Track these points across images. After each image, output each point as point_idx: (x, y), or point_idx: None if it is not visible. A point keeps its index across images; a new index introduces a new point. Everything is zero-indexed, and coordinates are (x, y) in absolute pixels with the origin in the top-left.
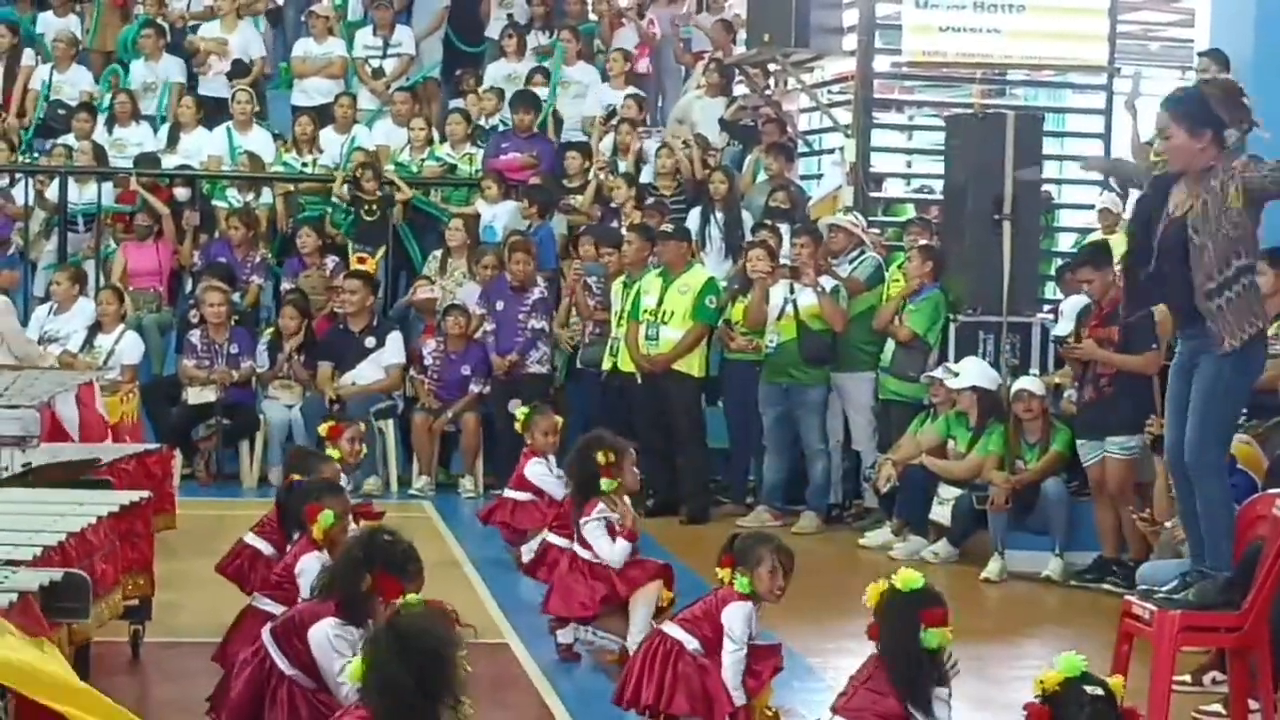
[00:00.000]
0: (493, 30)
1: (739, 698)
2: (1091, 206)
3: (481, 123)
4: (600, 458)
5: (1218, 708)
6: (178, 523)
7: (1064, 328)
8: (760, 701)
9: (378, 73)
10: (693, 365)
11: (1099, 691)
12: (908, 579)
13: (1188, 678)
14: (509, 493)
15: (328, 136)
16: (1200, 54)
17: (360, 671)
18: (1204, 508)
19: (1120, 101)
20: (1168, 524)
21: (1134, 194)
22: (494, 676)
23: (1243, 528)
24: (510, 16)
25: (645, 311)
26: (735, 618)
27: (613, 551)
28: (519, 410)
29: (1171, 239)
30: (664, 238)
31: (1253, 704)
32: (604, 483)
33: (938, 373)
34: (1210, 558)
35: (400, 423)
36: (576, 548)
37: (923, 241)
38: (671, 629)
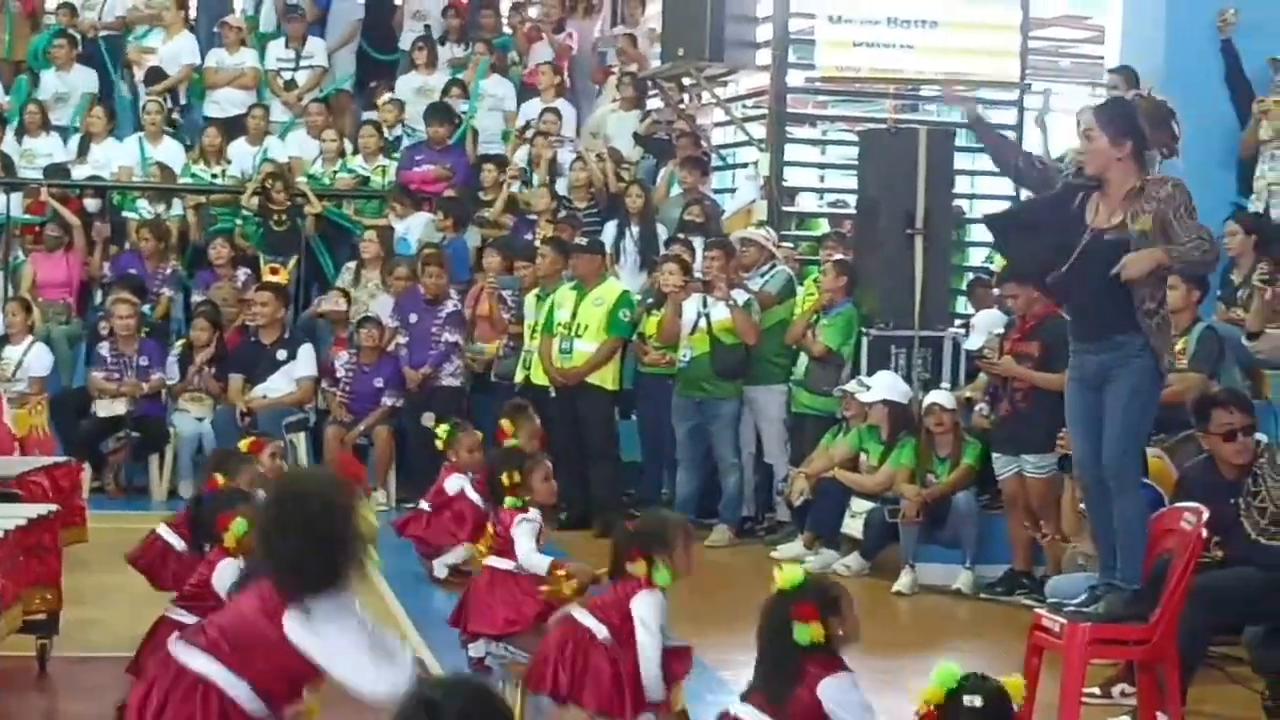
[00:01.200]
0: (406, 42)
1: (658, 693)
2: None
3: (388, 134)
4: (505, 479)
5: (1127, 719)
6: (88, 536)
7: (976, 341)
8: (674, 700)
9: (290, 84)
10: (606, 378)
11: (976, 703)
12: (788, 576)
13: (1097, 690)
14: (425, 505)
15: (240, 148)
16: (1110, 70)
17: (240, 534)
18: (1122, 520)
19: (1031, 117)
20: (1074, 542)
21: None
22: None
23: (1151, 541)
24: (427, 28)
25: (559, 325)
26: (647, 607)
27: (532, 556)
28: (440, 428)
29: (1105, 251)
30: (578, 251)
31: (1161, 716)
32: (508, 500)
33: (850, 386)
34: (1123, 570)
35: (312, 436)
36: (494, 561)
37: (838, 256)
38: (582, 615)
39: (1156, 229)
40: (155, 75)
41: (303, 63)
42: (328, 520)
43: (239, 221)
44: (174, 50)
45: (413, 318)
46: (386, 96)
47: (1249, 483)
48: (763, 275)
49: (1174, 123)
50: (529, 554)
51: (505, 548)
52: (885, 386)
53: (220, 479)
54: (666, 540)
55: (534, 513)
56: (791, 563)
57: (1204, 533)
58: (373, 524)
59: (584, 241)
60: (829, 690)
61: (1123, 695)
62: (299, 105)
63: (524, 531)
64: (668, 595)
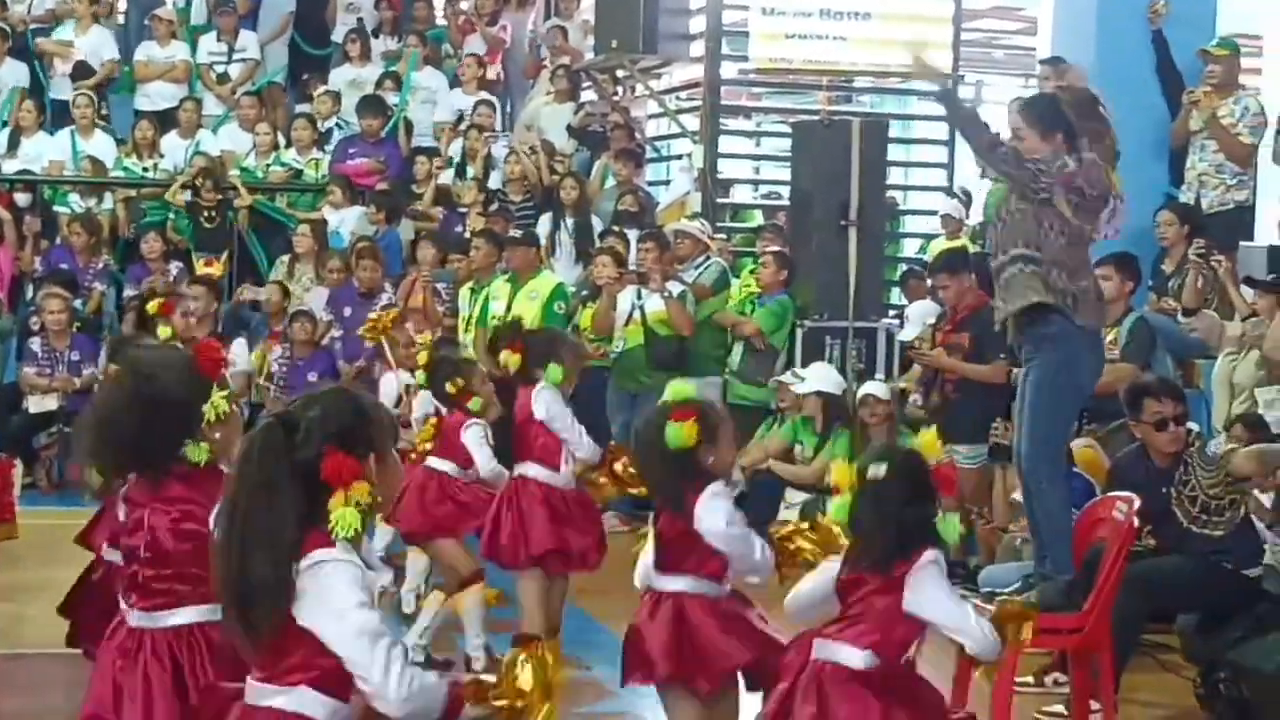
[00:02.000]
0: (339, 35)
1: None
2: (935, 212)
3: (321, 126)
4: (449, 387)
5: (1060, 708)
6: (19, 532)
7: (910, 332)
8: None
9: (222, 78)
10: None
11: (880, 472)
12: (678, 389)
13: (1030, 679)
14: None
15: (171, 141)
16: (1041, 62)
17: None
18: (1041, 511)
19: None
20: (1011, 528)
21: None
22: None
23: (1084, 531)
24: (360, 21)
25: (493, 317)
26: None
27: (489, 463)
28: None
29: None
30: (512, 243)
31: (1094, 705)
32: (470, 404)
33: (785, 378)
34: (1051, 561)
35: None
36: (434, 461)
37: (774, 248)
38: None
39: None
40: (82, 70)
41: (235, 56)
42: (170, 399)
43: (171, 215)
44: (93, 44)
45: (346, 311)
46: (322, 89)
47: (1180, 472)
48: (697, 267)
49: (1101, 109)
50: (488, 463)
51: (448, 450)
52: (819, 378)
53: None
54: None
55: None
56: None
57: (1136, 522)
58: (223, 407)
59: (518, 234)
60: (705, 510)
61: (1056, 684)
62: (231, 99)
63: (476, 438)
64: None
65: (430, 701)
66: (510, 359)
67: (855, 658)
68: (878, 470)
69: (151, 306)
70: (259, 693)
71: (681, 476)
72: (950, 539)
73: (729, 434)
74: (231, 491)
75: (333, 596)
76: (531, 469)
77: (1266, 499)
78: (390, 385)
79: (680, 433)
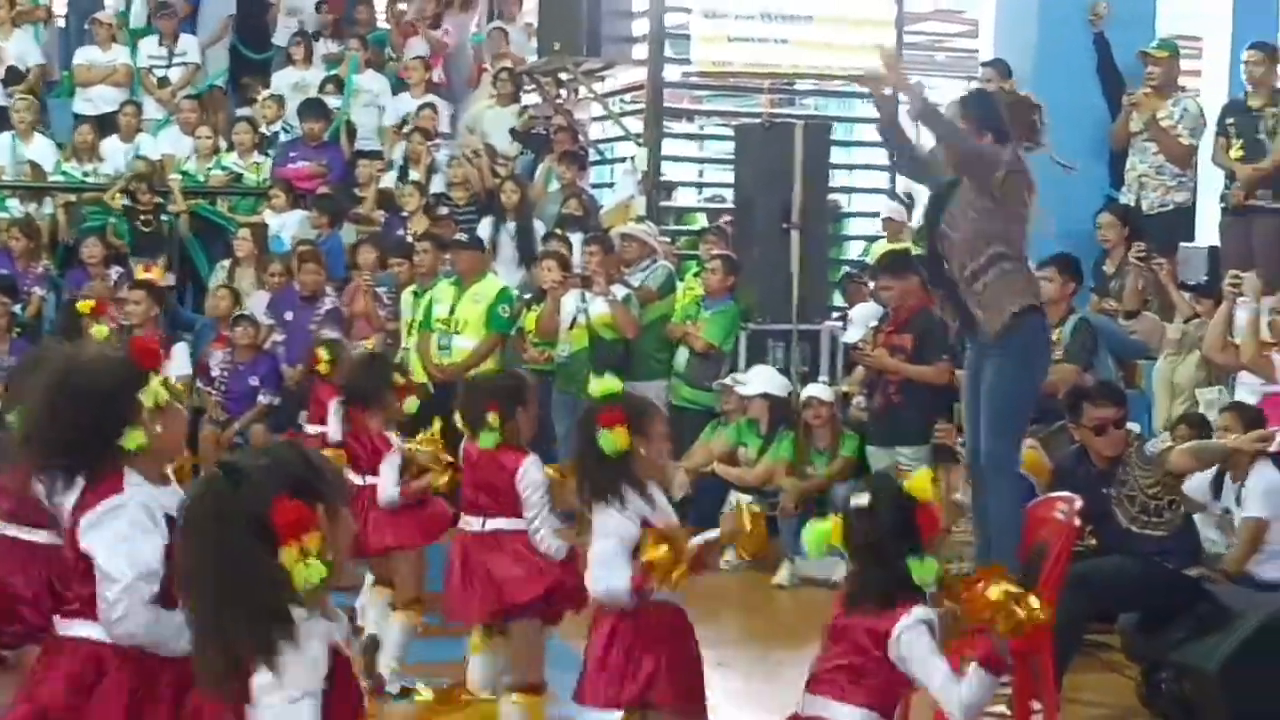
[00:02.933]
0: (280, 38)
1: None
2: (878, 214)
3: (264, 130)
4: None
5: (1002, 708)
6: None
7: (854, 334)
8: None
9: (163, 81)
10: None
11: (863, 501)
12: (604, 385)
13: None
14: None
15: (112, 145)
16: (983, 64)
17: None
18: (995, 507)
19: (905, 110)
20: (954, 529)
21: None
22: None
23: (1025, 531)
24: (300, 24)
25: (438, 321)
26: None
27: (388, 492)
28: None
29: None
30: (458, 247)
31: (1036, 705)
32: (407, 404)
33: (727, 381)
34: (996, 557)
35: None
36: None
37: (717, 252)
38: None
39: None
40: (13, 75)
41: (175, 60)
42: (102, 397)
43: (111, 220)
44: (18, 49)
45: (288, 315)
46: (265, 93)
47: (1120, 473)
48: (644, 271)
49: (1036, 116)
50: (386, 491)
51: (368, 463)
52: (763, 380)
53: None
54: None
55: (398, 444)
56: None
57: (1078, 522)
58: (162, 395)
59: (464, 237)
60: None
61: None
62: (172, 102)
63: (388, 466)
64: None
65: None
66: (494, 421)
67: (852, 716)
68: (859, 500)
69: (83, 306)
70: None
71: (620, 478)
72: (926, 582)
73: (659, 425)
74: (190, 560)
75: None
76: (505, 522)
77: (1199, 494)
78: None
79: (613, 439)
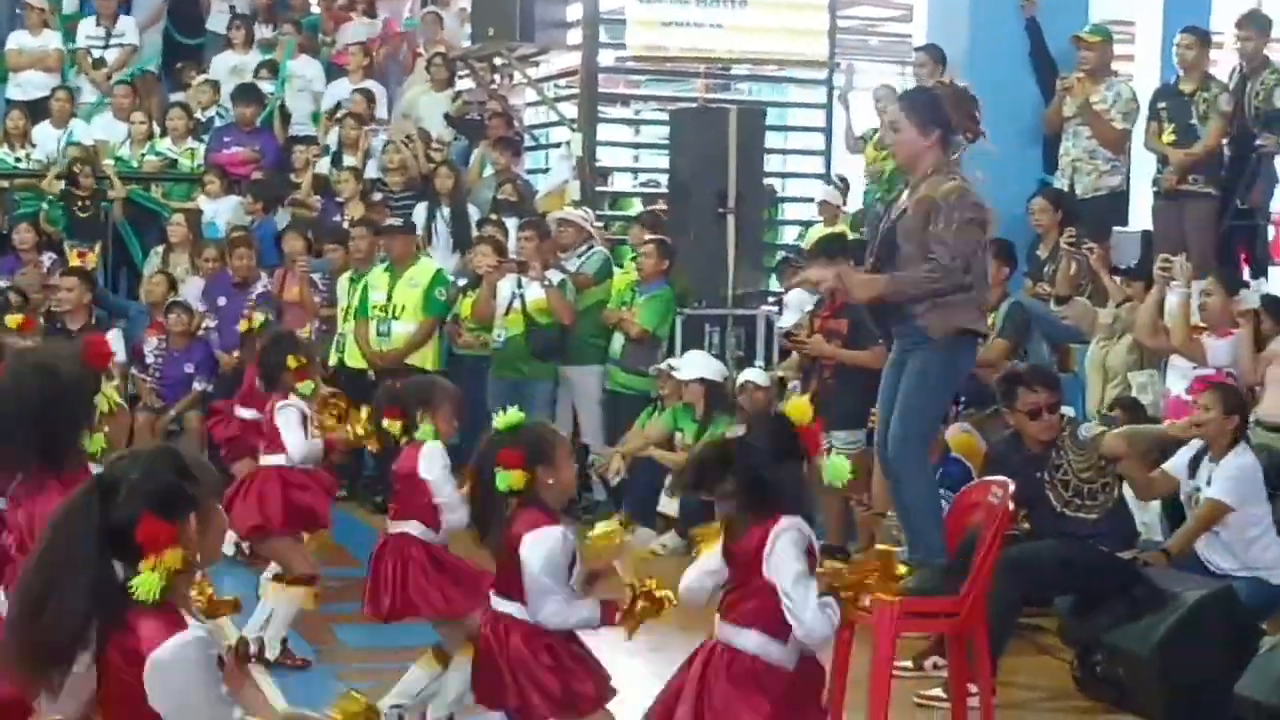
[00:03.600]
0: (214, 23)
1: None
2: (813, 199)
3: (199, 115)
4: (291, 361)
5: (938, 692)
6: None
7: (789, 319)
8: None
9: (99, 63)
10: (427, 359)
11: (739, 432)
12: (507, 418)
13: (909, 663)
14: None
15: (44, 131)
16: (917, 49)
17: None
18: (908, 501)
19: (836, 95)
20: (889, 513)
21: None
22: None
23: (959, 515)
24: (233, 9)
25: (375, 307)
26: (433, 460)
27: (301, 444)
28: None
29: (886, 240)
30: (390, 232)
31: (972, 687)
32: (300, 386)
33: (665, 365)
34: (923, 548)
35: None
36: (266, 458)
37: (649, 237)
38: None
39: (918, 220)
40: None
41: (112, 41)
42: (54, 397)
43: (44, 206)
44: None
45: (221, 301)
46: (201, 78)
47: (1053, 457)
48: (580, 256)
49: (976, 109)
50: (297, 446)
51: (275, 441)
52: (699, 365)
53: None
54: (435, 401)
55: (295, 398)
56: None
57: (1011, 506)
58: (114, 399)
59: (397, 222)
60: (528, 549)
61: (934, 668)
62: (107, 84)
63: (289, 421)
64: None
65: None
66: (392, 426)
67: (749, 641)
68: (734, 430)
69: (11, 322)
70: None
71: (513, 512)
72: (838, 478)
73: (565, 453)
74: (39, 548)
75: (189, 697)
76: (413, 526)
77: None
78: None
79: (509, 479)
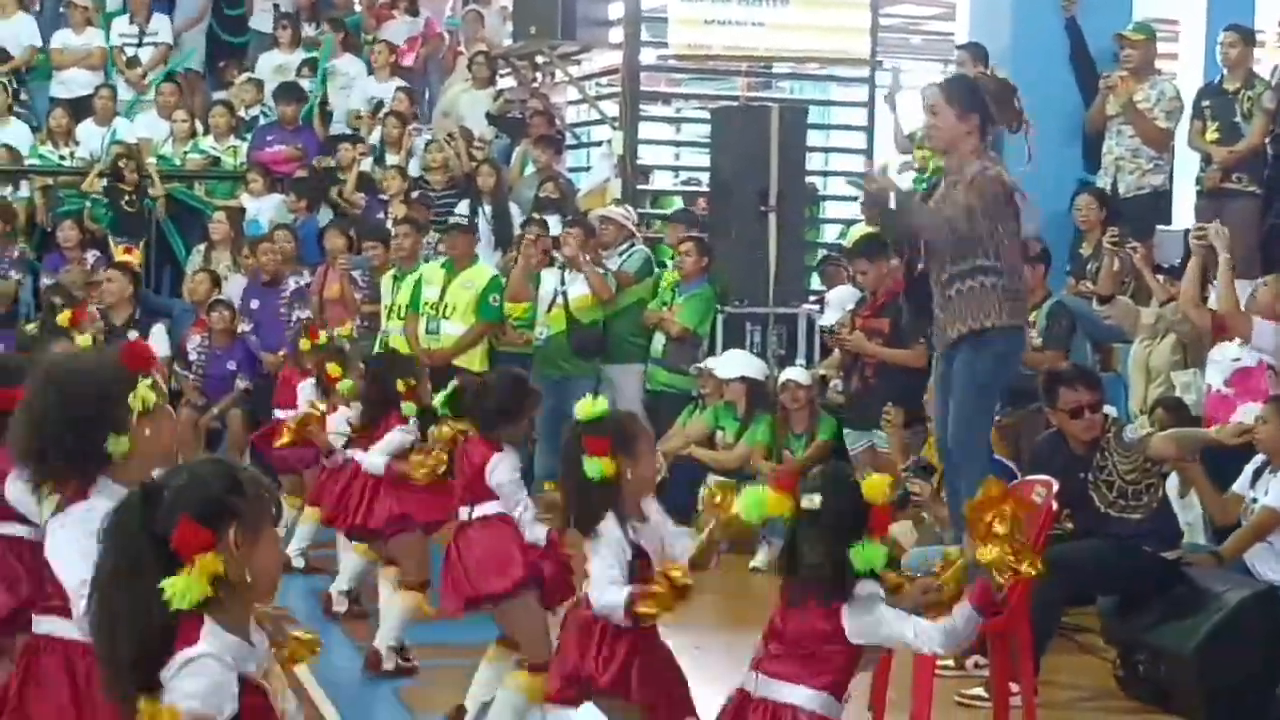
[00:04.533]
0: (258, 22)
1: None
2: (855, 198)
3: (242, 113)
4: (400, 384)
5: (980, 691)
6: None
7: (830, 318)
8: None
9: (132, 61)
10: (474, 360)
11: (815, 503)
12: (587, 407)
13: (951, 663)
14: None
15: (88, 129)
16: (959, 47)
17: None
18: (967, 492)
19: (881, 95)
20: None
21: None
22: None
23: None
24: (277, 7)
25: (427, 304)
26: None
27: (378, 466)
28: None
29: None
30: (454, 231)
31: (1014, 687)
32: (404, 406)
33: (706, 364)
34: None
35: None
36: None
37: (685, 234)
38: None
39: (960, 201)
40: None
41: (146, 39)
42: (89, 400)
43: (88, 204)
44: (12, 31)
45: (255, 303)
46: (245, 76)
47: (1097, 457)
48: (621, 254)
49: (1017, 100)
50: (377, 465)
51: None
52: (740, 364)
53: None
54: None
55: (411, 425)
56: None
57: (1055, 505)
58: (150, 398)
59: (462, 220)
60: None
61: (976, 667)
62: (141, 83)
63: (390, 445)
64: None
65: None
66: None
67: (809, 699)
68: (811, 502)
69: (62, 319)
70: None
71: (606, 504)
72: (873, 565)
73: (648, 445)
74: (97, 567)
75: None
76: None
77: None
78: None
79: (599, 466)
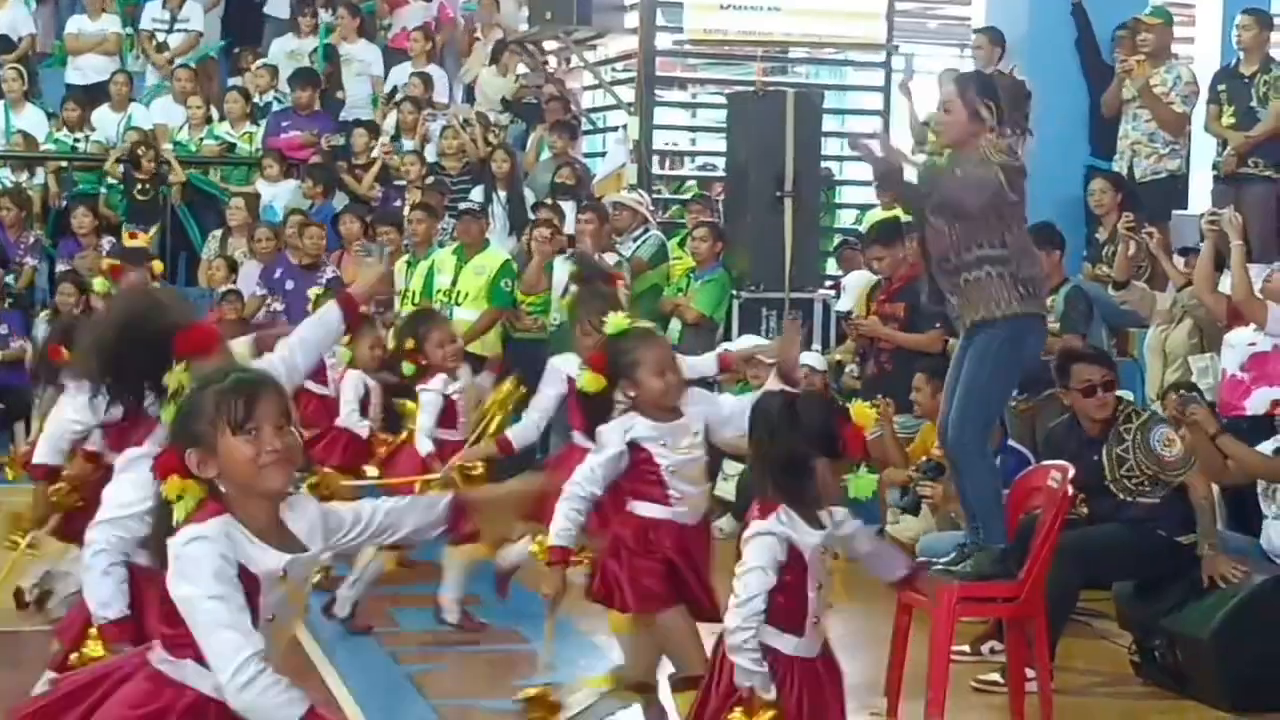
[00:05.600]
0: (272, 8)
1: None
2: (870, 183)
3: (256, 99)
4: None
5: (996, 676)
6: None
7: (846, 303)
8: None
9: (161, 46)
10: (487, 347)
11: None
12: (614, 322)
13: (967, 648)
14: None
15: (103, 115)
16: (976, 31)
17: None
18: (969, 483)
19: (897, 81)
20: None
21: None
22: None
23: (1018, 499)
24: None
25: (439, 291)
26: None
27: (422, 437)
28: None
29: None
30: (464, 216)
31: (1030, 672)
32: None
33: (720, 349)
34: (984, 532)
35: None
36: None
37: (703, 219)
38: None
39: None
40: (3, 44)
41: (177, 25)
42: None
43: (103, 190)
44: (10, 19)
45: (289, 284)
46: (260, 62)
47: (1114, 444)
48: (635, 240)
49: (1027, 105)
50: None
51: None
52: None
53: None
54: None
55: (436, 381)
56: None
57: (1070, 490)
58: (186, 382)
59: (473, 206)
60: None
61: (992, 653)
62: (168, 68)
63: (429, 406)
64: None
65: (274, 714)
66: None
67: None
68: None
69: (100, 285)
70: (158, 658)
71: (594, 418)
72: (862, 494)
73: (653, 360)
74: None
75: (191, 579)
76: None
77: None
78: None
79: (587, 380)
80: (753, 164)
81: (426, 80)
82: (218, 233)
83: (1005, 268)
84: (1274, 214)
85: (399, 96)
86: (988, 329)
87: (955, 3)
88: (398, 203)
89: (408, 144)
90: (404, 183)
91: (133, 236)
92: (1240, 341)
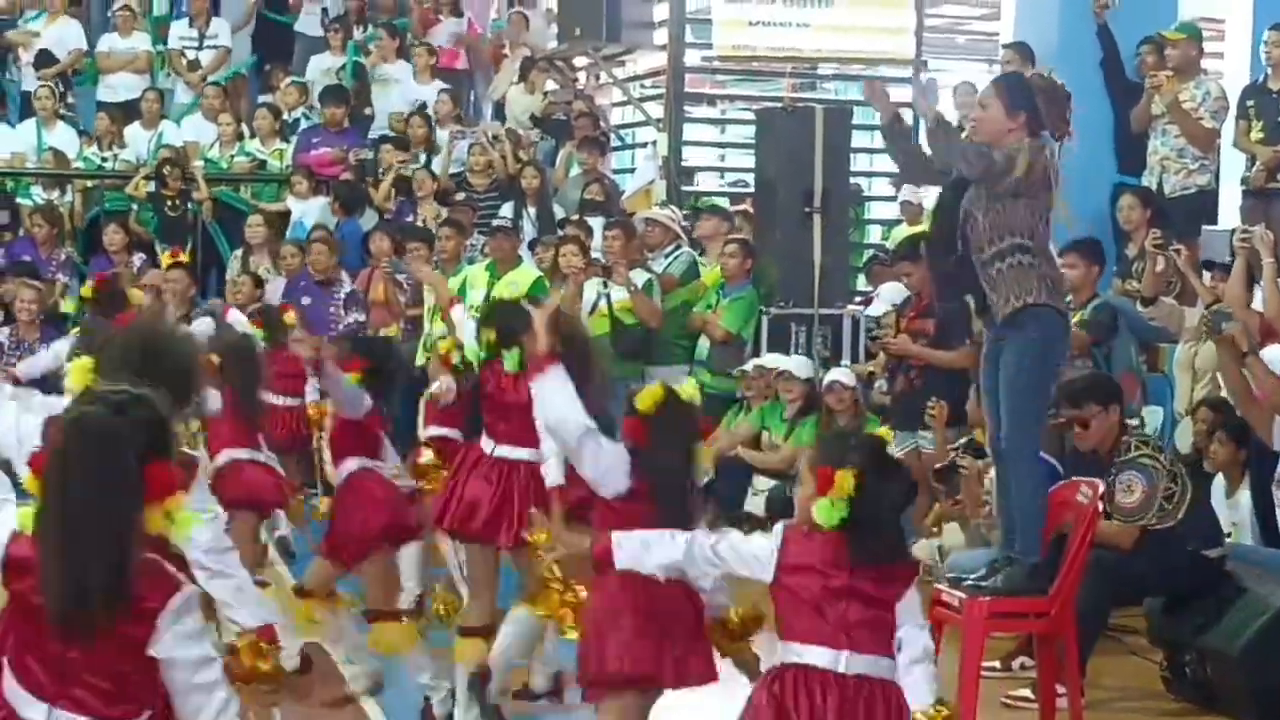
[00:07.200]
0: (303, 25)
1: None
2: (894, 197)
3: (286, 116)
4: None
5: (1026, 692)
6: None
7: (879, 308)
8: None
9: (193, 64)
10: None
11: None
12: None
13: (997, 664)
14: None
15: (134, 132)
16: (1005, 46)
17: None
18: (1016, 493)
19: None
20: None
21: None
22: None
23: (1048, 514)
24: (324, 10)
25: (471, 307)
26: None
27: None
28: None
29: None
30: (497, 233)
31: (1060, 688)
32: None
33: (760, 362)
34: (1020, 543)
35: None
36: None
37: (735, 236)
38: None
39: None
40: (44, 60)
41: (206, 43)
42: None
43: (134, 207)
44: (58, 35)
45: (305, 300)
46: (288, 79)
47: (1115, 468)
48: (667, 256)
49: (1067, 108)
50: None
51: None
52: (795, 364)
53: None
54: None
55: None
56: None
57: (1100, 506)
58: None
59: (504, 223)
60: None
61: (1022, 668)
62: (200, 85)
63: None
64: None
65: None
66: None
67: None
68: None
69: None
70: None
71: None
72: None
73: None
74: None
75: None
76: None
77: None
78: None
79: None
80: (782, 180)
81: (454, 97)
82: (238, 251)
83: (1034, 258)
84: None
85: (411, 112)
86: (1018, 331)
87: (984, 18)
88: (410, 218)
89: (435, 161)
90: (422, 195)
91: (174, 255)
92: (1273, 358)
